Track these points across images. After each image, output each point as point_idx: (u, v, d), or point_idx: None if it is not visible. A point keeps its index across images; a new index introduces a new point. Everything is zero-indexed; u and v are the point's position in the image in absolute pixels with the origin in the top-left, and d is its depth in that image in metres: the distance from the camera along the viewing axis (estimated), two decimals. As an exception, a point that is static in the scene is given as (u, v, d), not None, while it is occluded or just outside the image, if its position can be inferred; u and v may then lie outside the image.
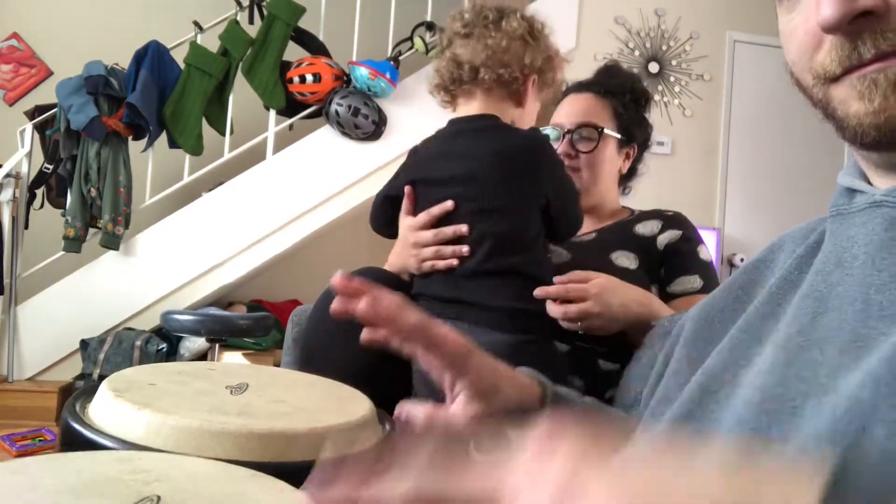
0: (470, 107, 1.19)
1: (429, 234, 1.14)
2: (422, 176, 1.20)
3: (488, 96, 1.17)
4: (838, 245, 0.48)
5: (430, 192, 1.17)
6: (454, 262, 1.12)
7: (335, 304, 0.58)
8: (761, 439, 0.42)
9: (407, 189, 1.18)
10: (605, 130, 1.35)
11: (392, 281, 1.19)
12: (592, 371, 1.20)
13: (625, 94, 1.40)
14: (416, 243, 1.15)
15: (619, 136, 1.37)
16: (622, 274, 1.19)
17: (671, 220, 1.33)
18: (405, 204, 1.19)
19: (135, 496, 0.33)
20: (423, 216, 1.14)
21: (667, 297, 1.26)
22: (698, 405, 0.49)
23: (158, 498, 0.33)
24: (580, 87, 1.42)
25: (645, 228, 1.32)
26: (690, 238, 1.32)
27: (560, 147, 1.33)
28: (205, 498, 0.34)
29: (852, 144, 0.48)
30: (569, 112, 1.37)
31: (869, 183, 0.50)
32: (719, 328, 0.56)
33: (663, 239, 1.30)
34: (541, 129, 1.33)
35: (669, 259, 1.29)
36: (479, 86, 1.16)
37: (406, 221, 1.19)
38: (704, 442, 0.45)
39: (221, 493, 0.35)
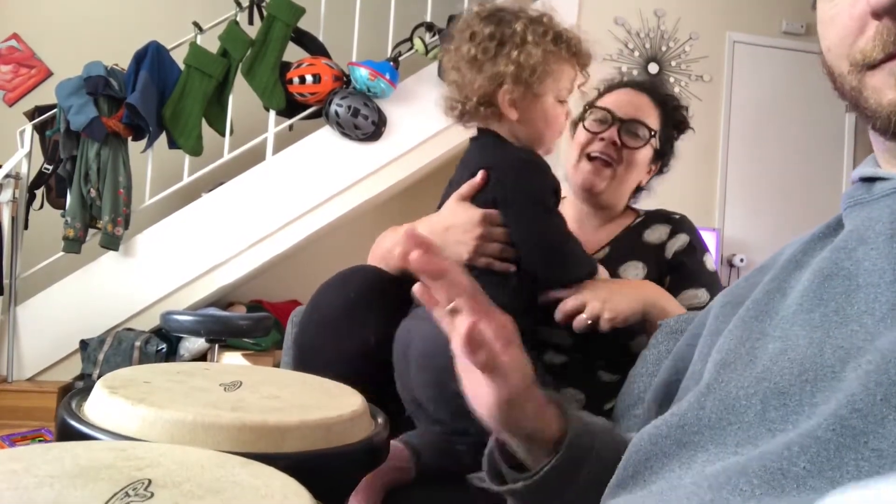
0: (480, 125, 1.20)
1: (500, 231, 1.12)
2: (452, 179, 1.23)
3: (480, 122, 1.17)
4: (860, 225, 0.48)
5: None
6: (512, 266, 1.12)
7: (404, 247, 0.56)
8: (807, 408, 0.42)
9: (481, 173, 1.14)
10: (655, 136, 1.33)
11: (383, 280, 1.19)
12: (592, 382, 1.20)
13: (674, 114, 1.39)
14: (482, 236, 1.12)
15: (657, 148, 1.35)
16: None
17: (678, 224, 1.33)
18: (467, 190, 1.16)
19: (126, 479, 0.33)
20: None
21: None
22: (715, 380, 0.49)
23: (149, 481, 0.33)
24: (638, 85, 1.39)
25: (653, 236, 1.32)
26: (696, 247, 1.31)
27: (607, 133, 1.29)
28: (195, 482, 0.34)
29: (882, 135, 0.48)
30: (624, 102, 1.33)
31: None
32: (723, 321, 0.56)
33: (671, 246, 1.30)
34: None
35: (676, 269, 1.28)
36: (467, 119, 1.17)
37: (467, 209, 1.15)
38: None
39: (212, 477, 0.35)
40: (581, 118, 1.36)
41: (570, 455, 0.60)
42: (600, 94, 1.38)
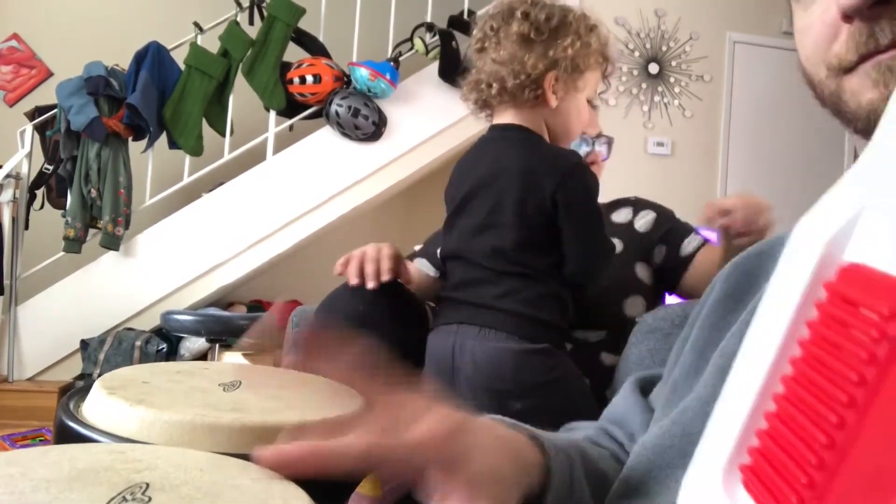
0: (504, 116, 1.18)
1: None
2: (454, 184, 1.21)
3: (515, 107, 1.15)
4: None
5: (457, 199, 1.18)
6: (372, 282, 1.13)
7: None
8: None
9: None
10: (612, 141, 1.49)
11: (393, 293, 1.18)
12: (594, 367, 1.23)
13: None
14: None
15: None
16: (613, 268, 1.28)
17: (637, 204, 1.43)
18: None
19: (124, 483, 0.33)
20: None
21: (682, 262, 1.34)
22: (720, 383, 0.48)
23: (147, 485, 0.33)
24: None
25: (619, 217, 1.41)
26: (664, 212, 1.42)
27: (592, 155, 1.43)
28: (193, 486, 0.34)
29: (864, 136, 0.48)
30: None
31: None
32: (722, 324, 0.55)
33: (640, 224, 1.39)
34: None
35: (662, 233, 1.38)
36: (502, 100, 1.15)
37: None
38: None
39: (211, 480, 0.35)
40: None
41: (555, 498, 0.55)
42: None
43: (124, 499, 0.31)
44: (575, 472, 0.56)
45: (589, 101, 1.21)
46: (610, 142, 1.45)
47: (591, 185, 1.13)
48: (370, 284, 1.12)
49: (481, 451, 0.46)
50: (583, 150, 1.40)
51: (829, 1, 0.46)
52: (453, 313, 1.13)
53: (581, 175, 1.11)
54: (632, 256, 1.33)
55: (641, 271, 1.34)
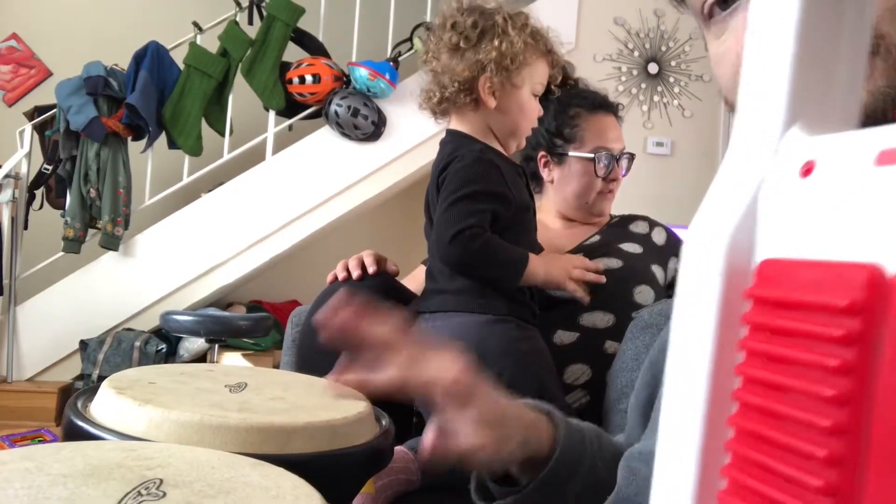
0: (452, 122, 1.25)
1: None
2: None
3: (457, 112, 1.22)
4: None
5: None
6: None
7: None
8: None
9: None
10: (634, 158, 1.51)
11: (389, 289, 1.25)
12: (597, 354, 1.28)
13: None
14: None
15: None
16: (630, 258, 1.36)
17: (650, 220, 1.50)
18: None
19: (138, 479, 0.34)
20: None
21: None
22: None
23: (161, 481, 0.34)
24: (609, 107, 1.48)
25: (637, 228, 1.47)
26: (673, 233, 1.50)
27: (618, 174, 1.43)
28: (206, 482, 0.35)
29: None
30: (616, 137, 1.45)
31: None
32: None
33: (656, 238, 1.46)
34: (598, 152, 1.41)
35: (676, 249, 1.45)
36: (445, 108, 1.22)
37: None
38: None
39: (222, 477, 0.36)
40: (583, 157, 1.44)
41: (558, 468, 0.60)
42: (573, 105, 1.45)
43: (139, 493, 0.32)
44: (587, 447, 0.59)
45: (535, 95, 1.23)
46: (631, 157, 1.49)
47: (467, 171, 1.14)
48: (355, 274, 1.23)
49: (486, 396, 0.56)
50: (604, 166, 1.41)
51: (739, 31, 0.48)
52: (425, 303, 1.20)
53: (456, 163, 1.15)
54: (649, 258, 1.40)
55: (657, 270, 1.41)
